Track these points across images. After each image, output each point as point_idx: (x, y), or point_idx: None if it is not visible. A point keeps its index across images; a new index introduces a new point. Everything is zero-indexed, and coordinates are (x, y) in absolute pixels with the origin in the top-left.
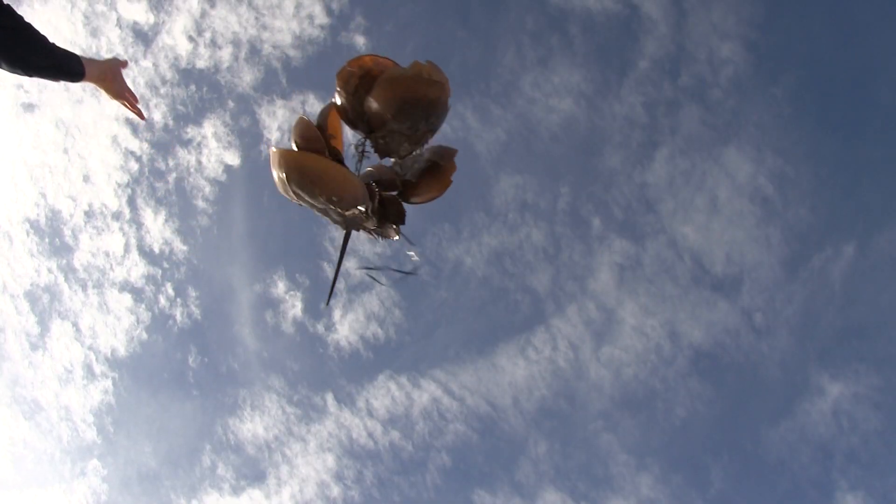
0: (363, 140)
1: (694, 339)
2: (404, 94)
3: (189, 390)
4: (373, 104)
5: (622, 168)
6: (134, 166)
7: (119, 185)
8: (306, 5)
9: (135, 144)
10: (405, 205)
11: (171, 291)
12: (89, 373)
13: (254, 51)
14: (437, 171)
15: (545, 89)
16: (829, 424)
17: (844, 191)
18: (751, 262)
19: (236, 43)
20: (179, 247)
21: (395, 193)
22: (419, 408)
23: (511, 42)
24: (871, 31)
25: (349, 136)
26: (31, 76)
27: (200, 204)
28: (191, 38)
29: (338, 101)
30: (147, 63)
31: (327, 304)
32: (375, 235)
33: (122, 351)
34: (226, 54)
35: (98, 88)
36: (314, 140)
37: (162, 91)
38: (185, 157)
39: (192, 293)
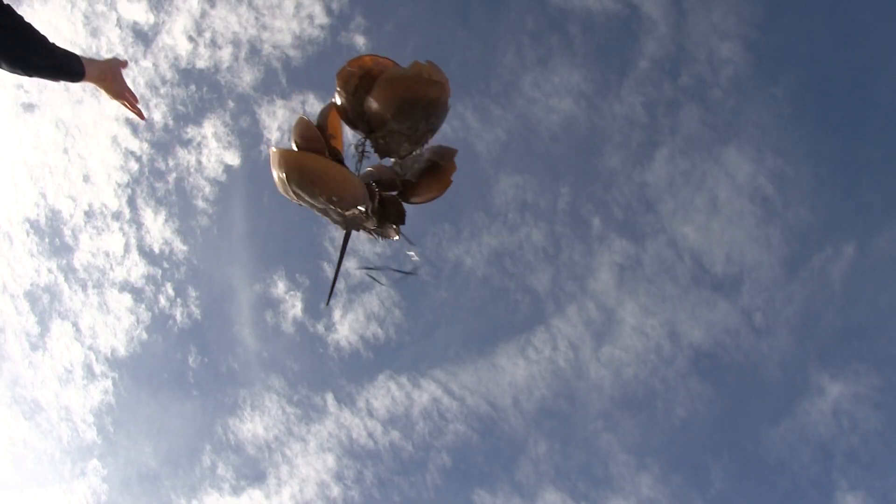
0: (363, 140)
1: (694, 339)
2: (404, 94)
3: (189, 390)
4: (373, 104)
5: (622, 168)
6: (134, 166)
7: (119, 185)
8: (306, 5)
9: (135, 144)
10: (405, 205)
11: (171, 291)
12: (89, 373)
13: (254, 51)
14: (437, 171)
15: (545, 89)
16: (829, 424)
17: (844, 191)
18: (751, 262)
19: (236, 43)
20: (179, 247)
21: (395, 193)
22: (419, 408)
23: (511, 42)
24: (871, 31)
25: (349, 135)
26: (30, 76)
27: (200, 204)
28: (191, 38)
29: (338, 100)
30: (147, 63)
31: (327, 303)
32: (375, 235)
33: (122, 351)
34: (226, 54)
35: (98, 88)
36: (314, 140)
37: (162, 91)
38: (185, 157)
39: (192, 293)
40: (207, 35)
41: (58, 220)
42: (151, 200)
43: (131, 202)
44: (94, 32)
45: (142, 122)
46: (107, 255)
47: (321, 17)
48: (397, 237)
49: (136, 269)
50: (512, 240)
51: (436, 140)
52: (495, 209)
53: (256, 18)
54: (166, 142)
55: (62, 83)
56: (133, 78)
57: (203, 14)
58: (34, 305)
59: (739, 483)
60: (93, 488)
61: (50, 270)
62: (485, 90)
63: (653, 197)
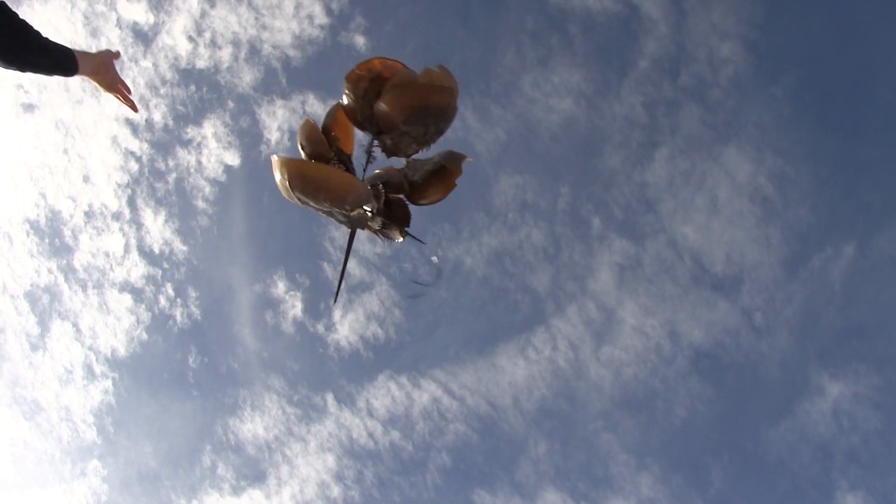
0: (371, 141)
1: (694, 338)
2: (415, 101)
3: (189, 390)
4: (383, 108)
5: (622, 168)
6: (134, 167)
7: (119, 186)
8: (306, 5)
9: (135, 145)
10: (412, 207)
11: (171, 292)
12: (89, 373)
13: (254, 51)
14: (444, 174)
15: (545, 89)
16: (829, 424)
17: (844, 191)
18: (751, 262)
19: (236, 43)
20: (179, 247)
21: (401, 196)
22: (419, 408)
23: (511, 42)
24: (871, 31)
25: (360, 134)
26: (25, 71)
27: (200, 204)
28: (191, 39)
29: (345, 101)
30: (147, 63)
31: (335, 301)
32: (380, 236)
33: (122, 351)
34: (226, 54)
35: (91, 81)
36: (318, 143)
37: (162, 91)
38: (185, 157)
39: (192, 293)
40: (207, 35)
41: (58, 221)
42: (151, 201)
43: (131, 202)
44: (94, 32)
45: (136, 114)
46: (107, 255)
47: (321, 17)
48: (401, 239)
49: (136, 270)
50: (512, 240)
51: (437, 141)
52: (495, 209)
53: (256, 18)
54: (166, 142)
55: (61, 81)
56: (133, 78)
57: (203, 14)
58: (34, 306)
59: (739, 483)
60: (93, 488)
61: (50, 271)
62: (485, 90)
63: (653, 197)
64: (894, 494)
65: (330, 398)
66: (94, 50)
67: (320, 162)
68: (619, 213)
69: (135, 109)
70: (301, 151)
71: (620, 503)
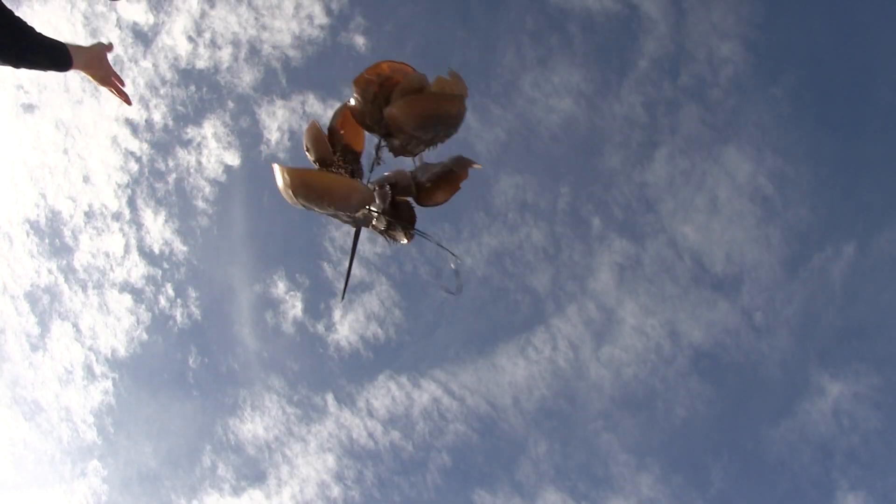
0: (378, 142)
1: (694, 338)
2: (427, 110)
3: (189, 391)
4: (394, 114)
5: (622, 168)
6: (134, 167)
7: (119, 186)
8: (306, 5)
9: (135, 145)
10: (418, 209)
11: (171, 292)
12: (89, 373)
13: (253, 51)
14: (450, 176)
15: (545, 89)
16: (829, 424)
17: (844, 191)
18: (751, 262)
19: (236, 43)
20: (179, 247)
21: (408, 199)
22: (419, 408)
23: (511, 42)
24: (871, 31)
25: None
26: (20, 68)
27: (200, 204)
28: (190, 39)
29: (353, 104)
30: (147, 63)
31: (342, 299)
32: (385, 237)
33: (122, 351)
34: (225, 55)
35: (84, 74)
36: (324, 146)
37: (162, 91)
38: (185, 157)
39: (192, 294)
40: (207, 35)
41: (58, 221)
42: (151, 201)
43: (131, 203)
44: (94, 33)
45: (130, 107)
46: (107, 255)
47: (321, 17)
48: (406, 241)
49: (137, 270)
50: (512, 240)
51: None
52: (495, 209)
53: (256, 19)
54: (166, 142)
55: (60, 81)
56: (133, 78)
57: (203, 14)
58: (34, 306)
59: (739, 483)
60: (93, 489)
61: (50, 271)
62: (485, 90)
63: (653, 197)
64: (895, 494)
65: (330, 398)
66: (85, 43)
67: (326, 164)
68: (619, 213)
69: (128, 102)
70: (307, 154)
71: (621, 503)
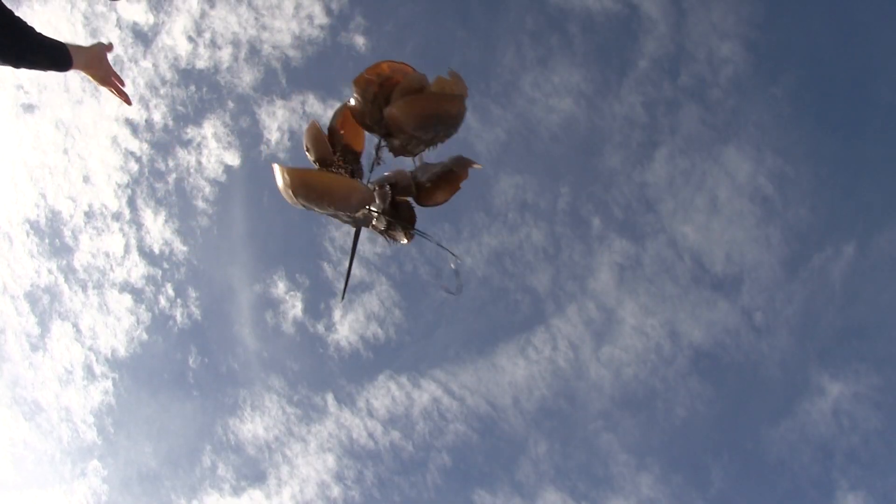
0: (378, 142)
1: (694, 338)
2: (427, 110)
3: (189, 391)
4: (394, 115)
5: (622, 168)
6: (134, 167)
7: (119, 186)
8: (306, 5)
9: (135, 145)
10: (418, 209)
11: (171, 292)
12: (89, 373)
13: (253, 51)
14: (450, 176)
15: (545, 89)
16: (829, 424)
17: (844, 191)
18: (751, 262)
19: (236, 43)
20: (179, 247)
21: (408, 199)
22: (419, 408)
23: (511, 42)
24: (871, 31)
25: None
26: (20, 68)
27: (200, 204)
28: (190, 39)
29: (353, 103)
30: (147, 63)
31: (342, 299)
32: (385, 237)
33: (122, 351)
34: (225, 55)
35: (84, 74)
36: (324, 146)
37: (162, 91)
38: (185, 157)
39: (192, 294)
40: (207, 35)
41: (58, 221)
42: (151, 201)
43: (131, 203)
44: (94, 33)
45: (131, 107)
46: (107, 255)
47: (321, 18)
48: (406, 242)
49: (137, 270)
50: (512, 240)
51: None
52: (495, 209)
53: (256, 19)
54: (166, 142)
55: (60, 81)
56: (133, 78)
57: (203, 14)
58: (34, 306)
59: (740, 483)
60: (93, 489)
61: (50, 271)
62: (485, 90)
63: (653, 197)
64: (895, 494)
65: (330, 398)
66: (85, 43)
67: (326, 164)
68: (619, 213)
69: (128, 102)
70: (307, 154)
71: (621, 503)
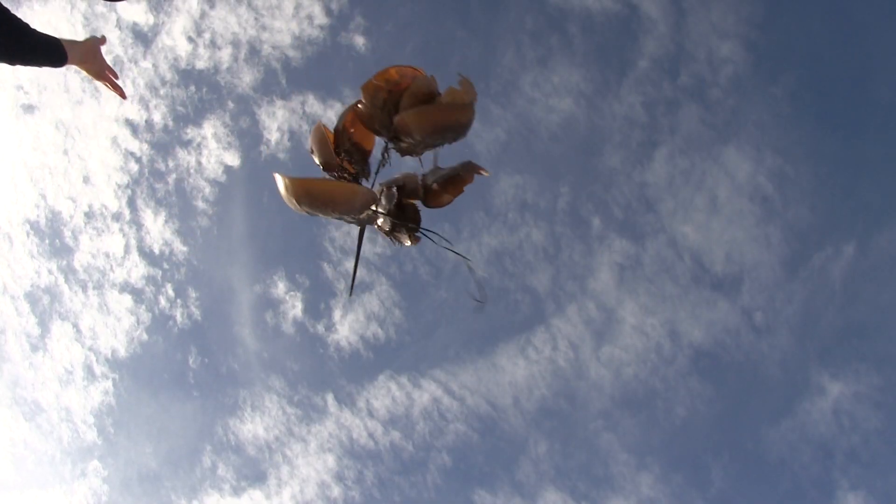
0: (386, 145)
1: (694, 338)
2: (439, 121)
3: (189, 391)
4: (405, 123)
5: (622, 168)
6: (134, 167)
7: (119, 187)
8: (305, 6)
9: (135, 145)
10: (423, 211)
11: (171, 292)
12: (90, 374)
13: (253, 51)
14: (456, 179)
15: (545, 89)
16: (829, 424)
17: (844, 191)
18: (751, 262)
19: (236, 44)
20: (179, 248)
21: (415, 202)
22: (419, 408)
23: (511, 42)
24: (871, 31)
25: None
26: (15, 65)
27: (200, 205)
28: (190, 39)
29: (360, 107)
30: (147, 64)
31: (350, 295)
32: (390, 238)
33: (122, 352)
34: (225, 55)
35: (79, 69)
36: (326, 150)
37: (161, 92)
38: (185, 157)
39: (193, 294)
40: (207, 36)
41: (58, 222)
42: (151, 201)
43: (131, 203)
44: (94, 33)
45: (125, 100)
46: (107, 256)
47: (320, 18)
48: (410, 243)
49: (137, 270)
50: (512, 240)
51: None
52: (495, 209)
53: (256, 19)
54: (166, 143)
55: (60, 82)
56: (133, 79)
57: (203, 15)
58: (34, 306)
59: (740, 482)
60: (93, 489)
61: (50, 271)
62: (484, 90)
63: (653, 197)
64: (895, 494)
65: (330, 398)
66: (79, 38)
67: (330, 167)
68: (619, 213)
69: (123, 96)
70: (312, 156)
71: (621, 503)
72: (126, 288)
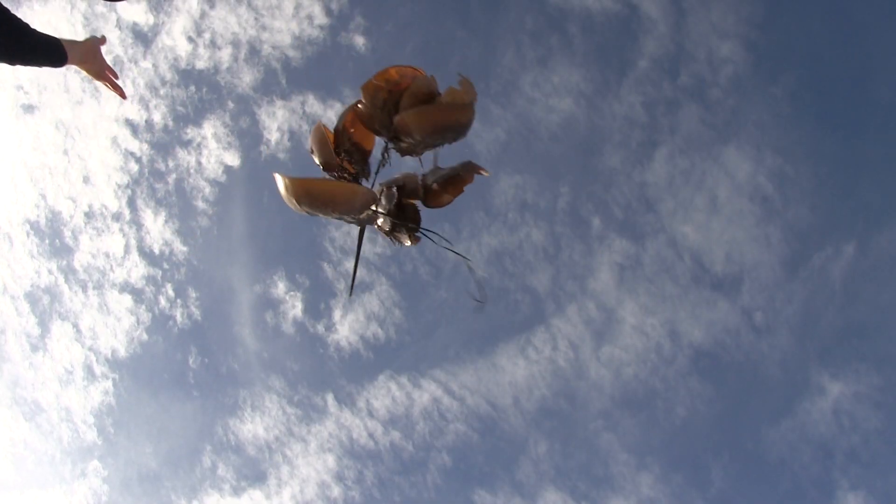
0: (386, 145)
1: (694, 338)
2: (440, 122)
3: (189, 391)
4: (405, 123)
5: (622, 168)
6: (134, 167)
7: (119, 187)
8: (305, 6)
9: (135, 145)
10: (422, 211)
11: (171, 292)
12: (90, 374)
13: (253, 51)
14: (457, 180)
15: (545, 89)
16: (829, 423)
17: (844, 190)
18: (751, 262)
19: (236, 44)
20: (179, 248)
21: (415, 202)
22: (419, 408)
23: (511, 42)
24: (871, 31)
25: None
26: (14, 65)
27: (200, 205)
28: (190, 39)
29: (360, 107)
30: (147, 64)
31: (350, 295)
32: (390, 238)
33: (122, 352)
34: (225, 55)
35: (79, 69)
36: (326, 150)
37: (161, 92)
38: (185, 157)
39: (193, 294)
40: (207, 36)
41: (58, 222)
42: (151, 201)
43: (131, 203)
44: (94, 33)
45: (125, 100)
46: (107, 256)
47: (320, 18)
48: (409, 244)
49: (137, 270)
50: (512, 240)
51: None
52: (495, 209)
53: (256, 19)
54: (166, 143)
55: (60, 82)
56: (133, 79)
57: (203, 15)
58: (34, 306)
59: (740, 482)
60: (93, 489)
61: (50, 271)
62: (484, 90)
63: (653, 197)
64: (895, 494)
65: (330, 398)
66: (79, 38)
67: (330, 167)
68: (619, 213)
69: (123, 96)
70: (312, 156)
71: (621, 503)
72: (126, 288)
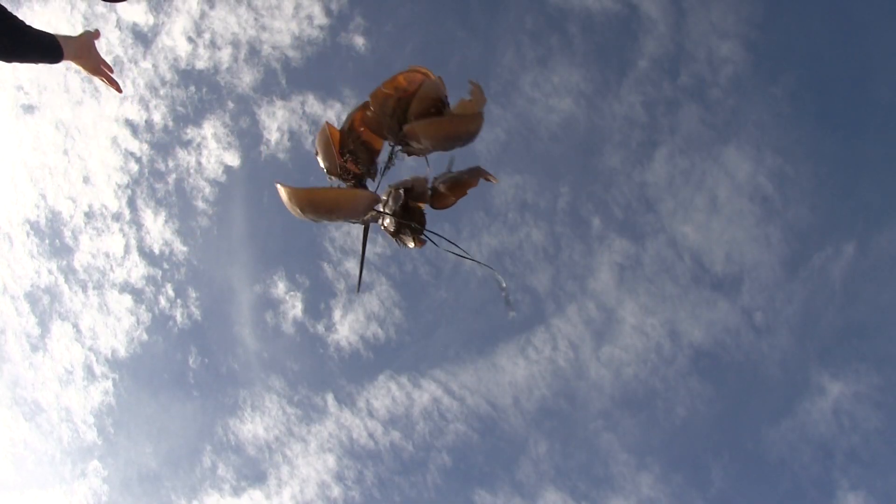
0: (392, 149)
1: (694, 338)
2: (450, 134)
3: (189, 391)
4: (414, 132)
5: (622, 168)
6: (134, 167)
7: (119, 187)
8: (305, 6)
9: (135, 145)
10: (426, 212)
11: (171, 292)
12: (90, 374)
13: (253, 52)
14: (463, 183)
15: (545, 89)
16: (829, 423)
17: (844, 190)
18: (751, 262)
19: (236, 44)
20: (179, 248)
21: (421, 205)
22: (419, 408)
23: (511, 42)
24: (871, 31)
25: None
26: (10, 62)
27: (200, 205)
28: (190, 40)
29: (368, 114)
30: (147, 64)
31: (358, 291)
32: (395, 239)
33: (122, 352)
34: (225, 55)
35: (74, 64)
36: (330, 154)
37: (161, 92)
38: (185, 158)
39: (193, 294)
40: (207, 36)
41: (58, 222)
42: (151, 201)
43: (131, 203)
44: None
45: (121, 94)
46: (107, 256)
47: (320, 18)
48: (414, 245)
49: (137, 270)
50: (512, 240)
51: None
52: (495, 209)
53: (256, 19)
54: (166, 143)
55: (60, 82)
56: (133, 79)
57: (202, 15)
58: (34, 307)
59: (740, 482)
60: (93, 489)
61: (50, 272)
62: (485, 90)
63: (653, 197)
64: (895, 494)
65: (330, 398)
66: (74, 33)
67: (334, 171)
68: (619, 213)
69: (119, 90)
70: (317, 158)
71: (621, 503)
72: (126, 288)
